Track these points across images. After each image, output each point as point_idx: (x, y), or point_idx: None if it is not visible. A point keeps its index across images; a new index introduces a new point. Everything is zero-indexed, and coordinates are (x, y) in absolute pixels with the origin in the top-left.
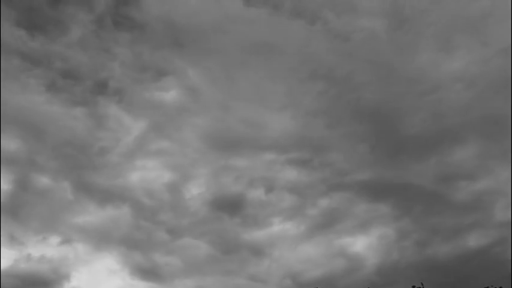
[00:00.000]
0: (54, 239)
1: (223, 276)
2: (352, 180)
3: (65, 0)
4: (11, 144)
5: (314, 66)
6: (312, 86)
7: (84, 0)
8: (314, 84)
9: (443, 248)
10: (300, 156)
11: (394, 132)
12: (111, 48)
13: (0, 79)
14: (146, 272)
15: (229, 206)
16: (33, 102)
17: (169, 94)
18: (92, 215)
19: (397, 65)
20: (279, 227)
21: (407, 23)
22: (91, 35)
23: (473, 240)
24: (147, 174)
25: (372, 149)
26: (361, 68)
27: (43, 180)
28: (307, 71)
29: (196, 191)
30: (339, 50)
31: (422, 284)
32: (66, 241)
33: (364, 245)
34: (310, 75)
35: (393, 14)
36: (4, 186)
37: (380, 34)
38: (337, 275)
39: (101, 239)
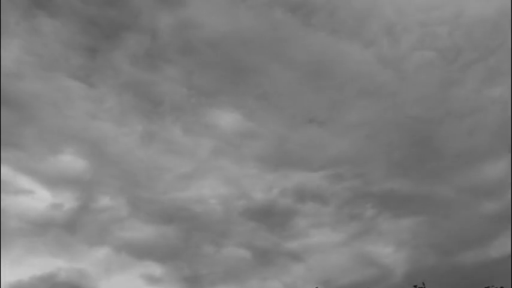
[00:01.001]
0: (99, 251)
1: (260, 282)
2: (382, 190)
3: (122, 23)
4: (75, 165)
5: (362, 84)
6: (358, 101)
7: (143, 22)
8: (360, 99)
9: (469, 256)
10: (338, 170)
11: (429, 144)
12: (169, 69)
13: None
14: (188, 280)
15: (269, 216)
16: (90, 122)
17: (225, 116)
18: (142, 230)
19: (443, 93)
20: (315, 236)
21: (459, 56)
22: (148, 56)
23: (498, 248)
24: (201, 191)
25: (404, 159)
26: (409, 88)
27: (102, 199)
28: (355, 89)
29: (242, 203)
30: (389, 73)
31: (423, 284)
32: (110, 253)
33: (392, 252)
34: (357, 93)
35: (447, 48)
36: (67, 205)
37: (432, 66)
38: (367, 282)
39: (146, 250)
